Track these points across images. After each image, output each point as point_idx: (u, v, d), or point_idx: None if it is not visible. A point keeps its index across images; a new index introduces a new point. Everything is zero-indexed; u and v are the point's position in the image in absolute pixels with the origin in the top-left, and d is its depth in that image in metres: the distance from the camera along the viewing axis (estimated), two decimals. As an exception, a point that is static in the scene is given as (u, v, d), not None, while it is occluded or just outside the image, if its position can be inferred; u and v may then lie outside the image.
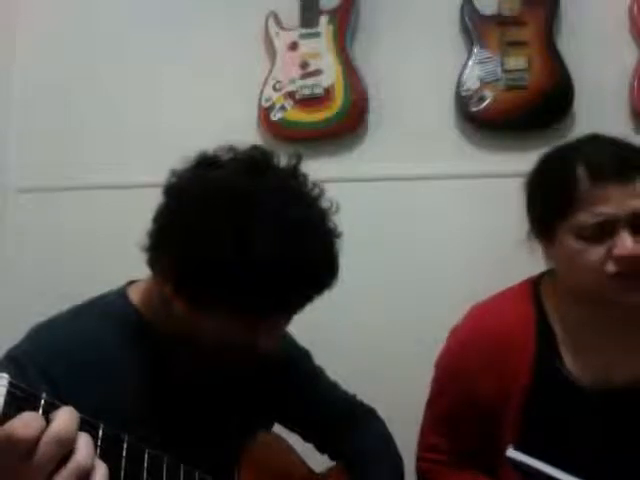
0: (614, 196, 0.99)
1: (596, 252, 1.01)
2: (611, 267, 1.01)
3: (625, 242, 0.99)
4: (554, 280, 1.15)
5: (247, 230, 0.82)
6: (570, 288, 1.11)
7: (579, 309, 1.11)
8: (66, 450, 0.59)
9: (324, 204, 0.92)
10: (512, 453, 0.98)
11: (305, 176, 0.92)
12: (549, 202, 1.06)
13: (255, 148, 0.93)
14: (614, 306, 1.07)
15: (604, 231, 1.00)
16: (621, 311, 1.08)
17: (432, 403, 1.22)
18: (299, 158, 0.93)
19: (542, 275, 1.19)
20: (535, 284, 1.17)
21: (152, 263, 0.91)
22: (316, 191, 0.92)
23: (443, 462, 1.20)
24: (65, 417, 0.60)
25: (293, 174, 0.92)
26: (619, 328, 1.10)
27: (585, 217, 1.00)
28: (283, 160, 0.93)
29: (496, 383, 1.09)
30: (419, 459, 1.23)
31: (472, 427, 1.14)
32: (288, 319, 0.97)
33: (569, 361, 1.10)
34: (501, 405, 1.11)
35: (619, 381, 1.08)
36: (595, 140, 1.10)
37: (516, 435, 1.09)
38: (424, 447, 1.23)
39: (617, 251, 0.99)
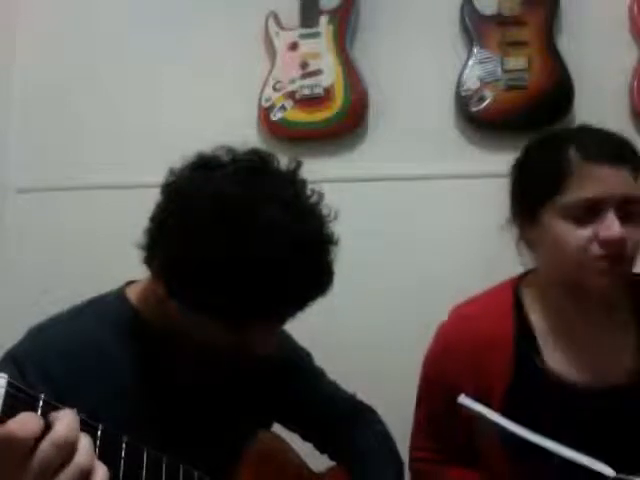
0: (605, 178, 1.00)
1: (581, 234, 1.01)
2: (595, 249, 1.00)
3: (612, 225, 0.99)
4: (535, 277, 1.15)
5: (242, 234, 0.82)
6: (552, 277, 1.11)
7: (560, 304, 1.11)
8: (67, 454, 0.59)
9: (322, 210, 0.91)
10: (463, 400, 1.03)
11: (304, 182, 0.92)
12: (538, 182, 1.06)
13: (254, 152, 0.92)
14: (592, 299, 1.07)
15: (591, 212, 1.00)
16: (598, 306, 1.09)
17: (419, 404, 1.23)
18: (298, 163, 0.93)
19: (524, 274, 1.19)
20: (516, 283, 1.17)
21: (148, 262, 0.91)
22: (314, 197, 0.91)
23: (433, 461, 1.21)
24: (67, 420, 0.60)
25: (292, 180, 0.91)
26: (602, 325, 1.10)
27: (574, 196, 1.00)
28: (282, 164, 0.92)
29: (477, 383, 1.09)
30: (411, 460, 1.24)
31: (457, 427, 1.14)
32: (281, 324, 0.97)
33: (552, 360, 1.09)
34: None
35: (606, 379, 1.07)
36: (585, 129, 1.11)
37: None
38: (414, 447, 1.24)
39: (603, 234, 0.99)
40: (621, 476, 0.88)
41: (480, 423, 1.05)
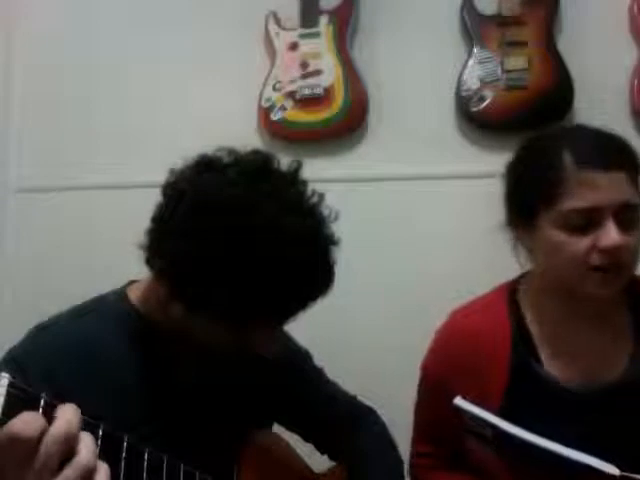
0: (601, 185, 0.97)
1: (580, 243, 0.99)
2: (595, 259, 0.98)
3: (611, 233, 0.96)
4: (532, 280, 1.14)
5: (243, 235, 0.83)
6: (548, 281, 1.09)
7: (556, 306, 1.10)
8: (69, 448, 0.59)
9: (323, 212, 0.91)
10: (459, 402, 1.03)
11: (305, 183, 0.92)
12: (534, 187, 1.03)
13: (256, 153, 0.93)
14: (588, 302, 1.06)
15: (589, 221, 0.98)
16: (594, 308, 1.08)
17: (417, 407, 1.23)
18: (299, 164, 0.93)
19: (521, 277, 1.18)
20: (513, 286, 1.17)
21: (149, 262, 0.91)
22: (315, 199, 0.92)
23: (432, 467, 1.21)
24: (68, 414, 0.59)
25: (292, 181, 0.91)
26: (598, 328, 1.09)
27: (570, 205, 0.98)
28: (284, 165, 0.92)
29: (473, 386, 1.08)
30: (410, 465, 1.24)
31: (455, 431, 1.13)
32: (282, 324, 0.97)
33: (548, 362, 1.09)
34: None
35: (602, 381, 1.07)
36: (579, 129, 1.09)
37: None
38: (414, 453, 1.24)
39: (603, 243, 0.97)
40: (627, 474, 0.87)
41: (473, 426, 1.04)
